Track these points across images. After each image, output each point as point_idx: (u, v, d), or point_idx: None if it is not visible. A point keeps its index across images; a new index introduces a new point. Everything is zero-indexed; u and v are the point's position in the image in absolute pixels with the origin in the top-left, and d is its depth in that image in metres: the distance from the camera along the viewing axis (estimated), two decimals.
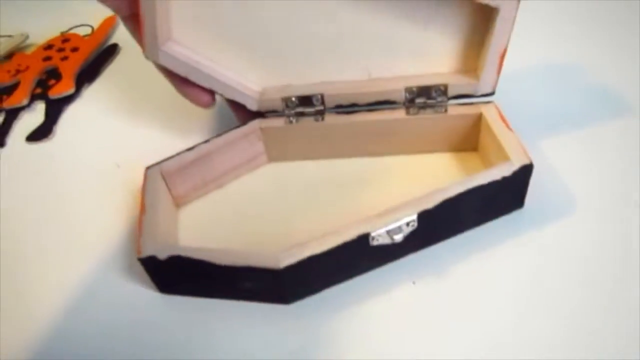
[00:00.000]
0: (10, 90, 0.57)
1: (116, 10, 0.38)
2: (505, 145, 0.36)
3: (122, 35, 0.64)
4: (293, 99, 0.41)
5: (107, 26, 0.64)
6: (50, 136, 0.52)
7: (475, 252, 0.36)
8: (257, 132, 0.42)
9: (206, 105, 0.42)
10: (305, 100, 0.41)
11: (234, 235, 0.40)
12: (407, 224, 0.33)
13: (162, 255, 0.34)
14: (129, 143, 0.50)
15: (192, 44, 0.40)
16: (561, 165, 0.41)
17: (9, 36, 0.65)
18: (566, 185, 0.40)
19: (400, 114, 0.41)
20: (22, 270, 0.41)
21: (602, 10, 0.55)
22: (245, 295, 0.35)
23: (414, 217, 0.33)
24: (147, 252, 0.34)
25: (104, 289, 0.38)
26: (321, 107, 0.41)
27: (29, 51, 0.63)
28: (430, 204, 0.33)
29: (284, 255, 0.32)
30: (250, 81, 0.42)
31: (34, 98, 0.57)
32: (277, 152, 0.44)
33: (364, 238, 0.33)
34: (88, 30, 0.64)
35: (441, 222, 0.36)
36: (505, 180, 0.35)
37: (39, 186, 0.47)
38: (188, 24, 0.39)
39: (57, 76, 0.58)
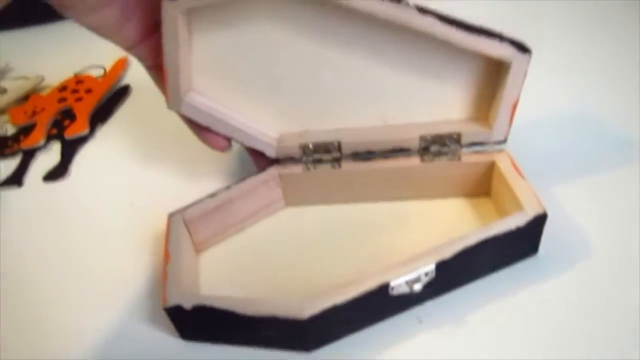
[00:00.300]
0: (27, 131, 0.59)
1: (141, 59, 0.40)
2: (519, 194, 0.37)
3: (133, 76, 0.66)
4: (310, 145, 0.42)
5: (119, 68, 0.66)
6: (66, 176, 0.53)
7: (490, 300, 0.37)
8: (276, 178, 0.43)
9: (223, 150, 0.43)
10: (322, 147, 0.42)
11: (253, 280, 0.40)
12: (426, 274, 0.34)
13: (187, 304, 0.35)
14: (142, 182, 0.51)
15: (212, 93, 0.41)
16: (575, 211, 0.41)
17: (26, 78, 0.66)
18: (580, 231, 0.40)
19: (415, 161, 0.42)
20: (40, 313, 0.41)
21: (614, 54, 0.56)
22: (267, 343, 0.36)
23: (432, 267, 0.34)
24: (172, 301, 0.35)
25: (126, 334, 0.39)
26: (338, 154, 0.42)
27: (44, 93, 0.64)
28: (447, 253, 0.34)
29: (308, 305, 0.33)
30: (268, 129, 0.43)
31: (50, 138, 0.58)
32: (295, 198, 0.45)
33: (384, 287, 0.34)
34: (101, 72, 0.66)
35: (457, 271, 0.36)
36: (519, 229, 0.35)
37: (56, 226, 0.48)
38: (208, 75, 0.41)
39: (72, 117, 0.59)
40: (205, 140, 0.43)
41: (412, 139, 0.41)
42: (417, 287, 0.34)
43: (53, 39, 0.74)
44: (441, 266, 0.34)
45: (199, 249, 0.43)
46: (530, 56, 0.36)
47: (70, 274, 0.44)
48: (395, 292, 0.34)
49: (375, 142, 0.42)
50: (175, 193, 0.47)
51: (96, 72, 0.66)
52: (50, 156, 0.56)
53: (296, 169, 0.43)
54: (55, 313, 0.41)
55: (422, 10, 0.35)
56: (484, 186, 0.42)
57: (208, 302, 0.34)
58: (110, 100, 0.62)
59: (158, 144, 0.55)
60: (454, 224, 0.41)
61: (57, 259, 0.45)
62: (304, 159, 0.43)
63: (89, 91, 0.62)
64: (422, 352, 0.35)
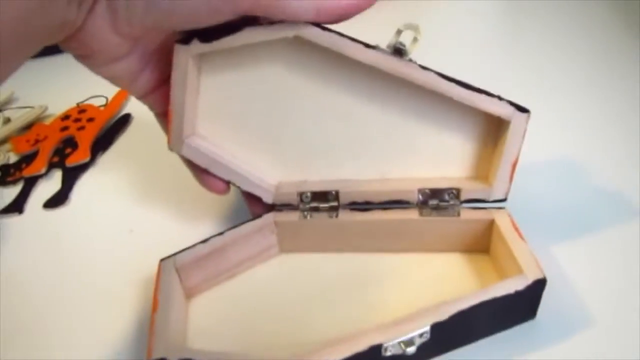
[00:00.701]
0: (29, 159, 0.59)
1: (151, 108, 0.41)
2: (518, 257, 0.36)
3: (134, 106, 0.66)
4: (308, 194, 0.42)
5: (121, 98, 0.66)
6: (66, 203, 0.54)
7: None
8: (271, 225, 0.43)
9: (221, 193, 0.43)
10: (320, 196, 0.42)
11: (243, 329, 0.40)
12: (420, 335, 0.33)
13: (173, 358, 0.34)
14: (142, 210, 0.52)
15: (214, 136, 0.42)
16: (573, 273, 0.40)
17: (30, 107, 0.67)
18: (579, 295, 0.39)
19: (413, 214, 0.41)
20: (37, 337, 0.42)
21: (617, 108, 0.55)
22: None
23: (427, 328, 0.33)
24: (157, 354, 0.34)
25: None
26: (335, 204, 0.42)
27: (47, 121, 0.65)
28: (443, 315, 0.33)
29: None
30: (267, 175, 0.43)
31: (51, 166, 0.59)
32: (289, 245, 0.44)
33: (377, 349, 0.33)
34: (103, 101, 0.66)
35: (453, 333, 0.36)
36: (518, 293, 0.35)
37: (54, 253, 0.49)
38: (212, 118, 0.41)
39: (74, 145, 0.60)
40: (203, 183, 0.43)
41: (410, 191, 0.41)
42: (411, 350, 0.33)
43: (57, 70, 0.73)
44: (436, 328, 0.34)
45: (189, 294, 0.42)
46: (529, 116, 0.37)
47: (66, 302, 0.44)
48: (387, 354, 0.33)
49: (374, 193, 0.42)
50: (173, 222, 0.48)
51: (98, 102, 0.66)
52: (51, 184, 0.57)
53: (292, 217, 0.43)
54: (48, 342, 0.41)
55: (423, 67, 0.36)
56: (482, 243, 0.42)
57: (195, 357, 0.34)
58: (111, 129, 0.63)
59: (158, 172, 0.55)
60: (451, 281, 0.41)
61: (54, 286, 0.45)
62: (301, 206, 0.43)
63: (91, 120, 0.63)
64: None
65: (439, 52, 0.51)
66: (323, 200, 0.43)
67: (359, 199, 0.42)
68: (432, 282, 0.41)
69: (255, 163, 0.43)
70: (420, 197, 0.41)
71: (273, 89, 0.40)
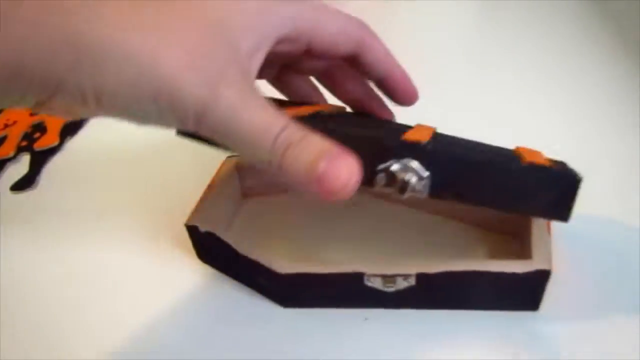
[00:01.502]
0: None
1: None
2: (534, 244, 0.35)
3: None
4: None
5: None
6: (34, 186, 0.54)
7: (463, 334, 0.35)
8: None
9: None
10: None
11: (276, 236, 0.44)
12: (404, 279, 0.34)
13: (203, 228, 0.39)
14: (109, 193, 0.51)
15: None
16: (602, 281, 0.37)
17: None
18: (597, 306, 0.36)
19: None
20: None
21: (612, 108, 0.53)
22: (257, 287, 0.40)
23: (413, 275, 0.34)
24: (192, 222, 0.40)
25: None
26: None
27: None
28: (431, 269, 0.34)
29: (289, 265, 0.36)
30: None
31: (20, 150, 0.58)
32: None
33: (359, 276, 0.35)
34: None
35: (442, 291, 0.36)
36: (515, 276, 0.33)
37: (20, 234, 0.48)
38: None
39: (43, 130, 0.60)
40: None
41: None
42: (391, 288, 0.35)
43: None
44: (423, 279, 0.34)
45: (245, 194, 0.47)
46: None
47: (33, 283, 0.44)
48: (368, 284, 0.35)
49: None
50: (141, 207, 0.48)
51: None
52: (19, 167, 0.57)
53: None
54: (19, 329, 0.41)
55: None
56: (513, 226, 0.40)
57: (217, 232, 0.39)
58: None
59: (126, 158, 0.56)
60: (466, 251, 0.40)
61: (21, 266, 0.45)
62: None
63: None
64: (369, 348, 0.36)
65: (418, 54, 0.52)
66: None
67: None
68: (446, 248, 0.41)
69: None
70: None
71: None
